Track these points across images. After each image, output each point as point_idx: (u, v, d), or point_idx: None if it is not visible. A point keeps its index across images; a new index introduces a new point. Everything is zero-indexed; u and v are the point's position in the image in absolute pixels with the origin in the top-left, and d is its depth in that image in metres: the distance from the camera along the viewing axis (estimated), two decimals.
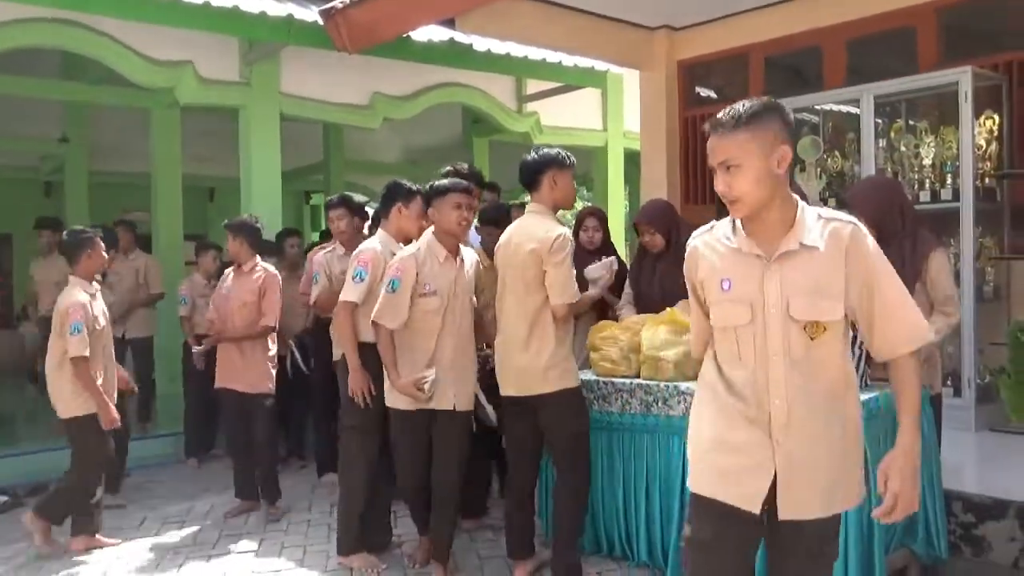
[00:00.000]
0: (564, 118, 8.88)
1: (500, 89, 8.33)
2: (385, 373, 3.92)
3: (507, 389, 3.78)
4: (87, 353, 4.46)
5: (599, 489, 4.00)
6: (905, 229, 3.50)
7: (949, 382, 4.76)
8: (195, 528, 4.98)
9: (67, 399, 4.55)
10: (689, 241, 2.28)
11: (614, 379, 3.97)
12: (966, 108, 4.66)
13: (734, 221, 2.18)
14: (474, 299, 3.98)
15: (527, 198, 3.93)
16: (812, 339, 2.08)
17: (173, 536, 4.86)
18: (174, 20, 5.97)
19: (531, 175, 3.74)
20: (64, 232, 4.81)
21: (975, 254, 4.71)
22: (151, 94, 7.14)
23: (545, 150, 3.78)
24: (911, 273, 3.35)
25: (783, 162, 2.08)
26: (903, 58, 5.28)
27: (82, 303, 4.51)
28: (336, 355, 5.39)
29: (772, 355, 2.09)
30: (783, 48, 5.85)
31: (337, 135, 10.07)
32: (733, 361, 2.17)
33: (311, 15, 5.98)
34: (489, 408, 4.04)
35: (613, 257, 4.12)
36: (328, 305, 5.26)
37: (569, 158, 3.76)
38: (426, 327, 3.80)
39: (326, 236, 6.11)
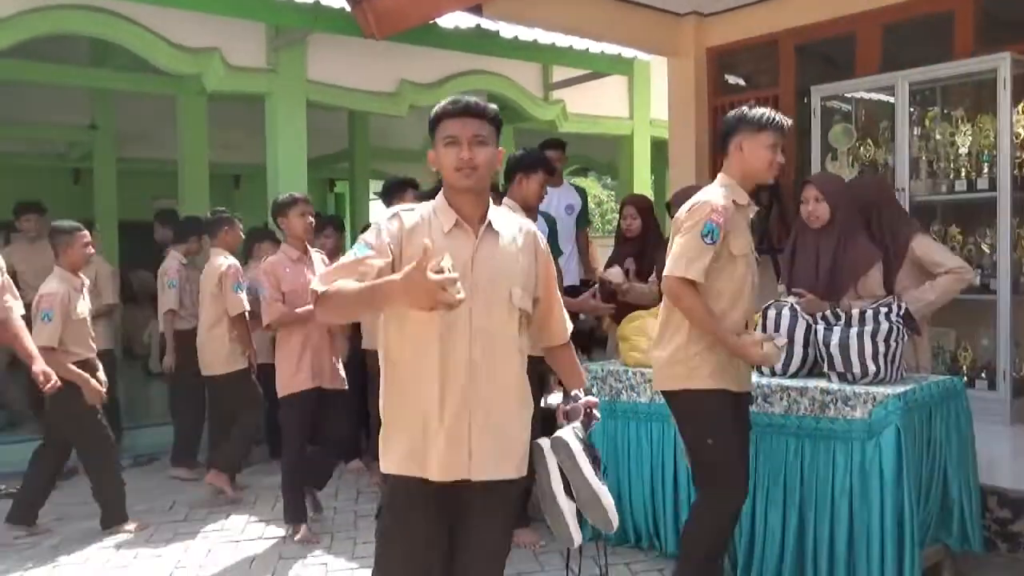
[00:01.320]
0: (590, 106, 8.80)
1: (526, 76, 8.27)
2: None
3: None
4: (248, 308, 5.23)
5: (627, 479, 3.98)
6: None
7: (984, 375, 4.69)
8: (223, 514, 5.01)
9: (224, 357, 5.30)
10: None
11: (643, 369, 3.94)
12: (1004, 95, 4.56)
13: None
14: (515, 293, 2.34)
15: None
16: None
17: (201, 521, 4.89)
18: (201, 6, 5.97)
19: (722, 138, 3.21)
20: (210, 211, 5.67)
21: (1012, 244, 4.61)
22: (178, 81, 7.15)
23: (742, 110, 3.17)
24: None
25: None
26: (939, 44, 5.17)
27: (236, 267, 5.27)
28: (365, 344, 5.38)
29: None
30: (815, 34, 5.75)
31: (362, 122, 10.05)
32: None
33: (338, 1, 5.96)
34: (567, 509, 2.40)
35: (618, 268, 4.17)
36: None
37: (767, 119, 3.10)
38: (420, 342, 2.27)
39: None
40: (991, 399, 4.52)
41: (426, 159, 2.40)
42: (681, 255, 3.02)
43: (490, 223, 2.38)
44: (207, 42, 6.38)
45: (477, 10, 5.61)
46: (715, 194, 3.09)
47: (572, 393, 2.55)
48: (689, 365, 3.07)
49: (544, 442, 2.43)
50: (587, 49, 7.70)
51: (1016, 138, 4.68)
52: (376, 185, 5.70)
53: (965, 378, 4.42)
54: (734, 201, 3.10)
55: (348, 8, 5.53)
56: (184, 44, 6.30)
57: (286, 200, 4.60)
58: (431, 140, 2.38)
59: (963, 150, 4.85)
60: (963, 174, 4.83)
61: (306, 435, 4.58)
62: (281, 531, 4.63)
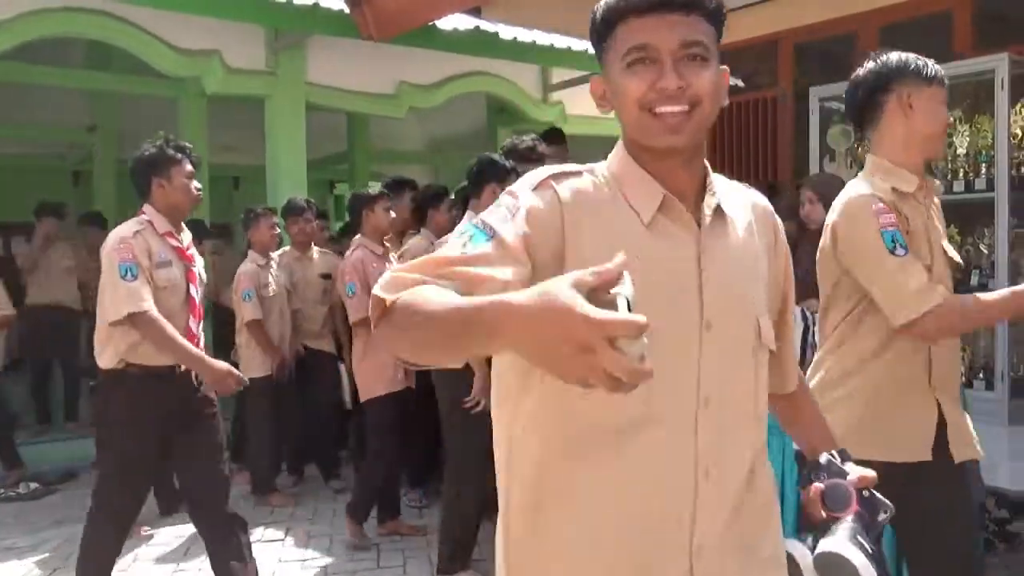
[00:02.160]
0: (590, 107, 8.51)
1: (525, 78, 8.27)
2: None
3: None
4: (259, 316, 5.08)
5: None
6: None
7: (982, 375, 4.68)
8: None
9: (245, 363, 5.09)
10: None
11: None
12: (1002, 96, 4.55)
13: None
14: (763, 324, 1.35)
15: None
16: None
17: None
18: (201, 9, 5.98)
19: (867, 97, 2.23)
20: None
21: (1010, 245, 4.61)
22: (178, 83, 7.17)
23: (896, 55, 2.19)
24: None
25: None
26: (937, 44, 5.18)
27: (248, 272, 5.16)
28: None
29: None
30: (814, 35, 5.76)
31: (362, 124, 10.06)
32: None
33: (337, 3, 5.97)
34: None
35: None
36: None
37: (937, 70, 2.16)
38: (594, 437, 1.22)
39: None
40: (989, 399, 4.51)
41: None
42: (892, 296, 2.06)
43: (719, 204, 1.35)
44: (207, 45, 6.39)
45: (476, 12, 5.63)
46: (863, 188, 2.16)
47: (823, 460, 1.42)
48: (830, 418, 2.03)
49: (800, 553, 1.37)
50: (586, 50, 7.69)
51: (1014, 138, 4.69)
52: (376, 187, 5.64)
53: (963, 378, 4.41)
54: (894, 189, 2.16)
55: (347, 10, 5.55)
56: (184, 47, 6.31)
57: (372, 195, 4.59)
58: (597, 60, 1.38)
59: (961, 150, 4.86)
60: (961, 174, 4.83)
61: (403, 432, 4.51)
62: (280, 534, 4.64)
